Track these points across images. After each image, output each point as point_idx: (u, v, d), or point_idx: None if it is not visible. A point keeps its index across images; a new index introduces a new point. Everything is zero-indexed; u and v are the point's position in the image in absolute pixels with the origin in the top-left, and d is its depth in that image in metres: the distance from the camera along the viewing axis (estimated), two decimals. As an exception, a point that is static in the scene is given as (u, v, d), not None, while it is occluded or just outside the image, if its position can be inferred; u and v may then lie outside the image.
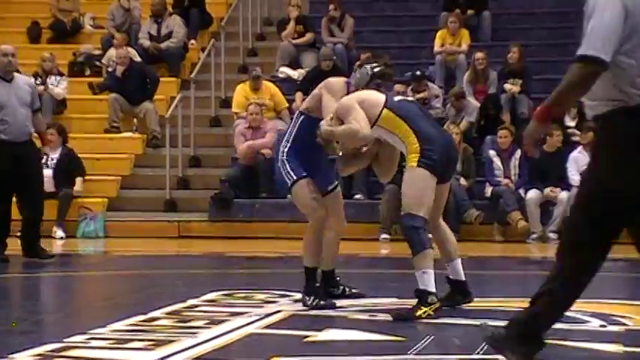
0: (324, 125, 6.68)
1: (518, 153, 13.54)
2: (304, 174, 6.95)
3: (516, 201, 13.21)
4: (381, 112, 6.67)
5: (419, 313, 6.36)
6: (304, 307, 6.93)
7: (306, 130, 6.95)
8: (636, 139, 4.39)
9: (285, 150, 7.02)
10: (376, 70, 6.91)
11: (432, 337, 5.77)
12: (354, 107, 6.61)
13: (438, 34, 16.26)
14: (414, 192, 6.55)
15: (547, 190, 13.20)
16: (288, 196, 6.96)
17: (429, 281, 6.42)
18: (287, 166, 6.97)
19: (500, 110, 14.60)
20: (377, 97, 6.75)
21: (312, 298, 6.93)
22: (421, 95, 15.01)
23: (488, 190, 13.15)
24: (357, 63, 7.03)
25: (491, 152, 13.62)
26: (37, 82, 15.66)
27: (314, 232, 7.02)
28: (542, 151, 13.57)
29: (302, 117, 7.07)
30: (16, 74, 10.50)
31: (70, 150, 14.22)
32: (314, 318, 6.57)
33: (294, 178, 6.95)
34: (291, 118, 7.14)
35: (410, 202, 6.55)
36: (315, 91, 7.08)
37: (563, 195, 13.12)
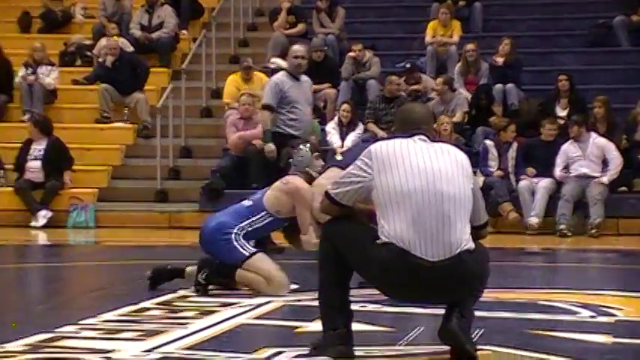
0: (312, 241, 7.13)
1: (516, 144, 13.57)
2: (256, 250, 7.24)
3: (508, 192, 13.25)
4: None
5: None
6: (292, 299, 6.96)
7: (272, 226, 7.33)
8: None
9: (243, 232, 7.17)
10: (309, 146, 7.48)
11: (422, 327, 5.78)
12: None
13: (430, 25, 16.26)
14: None
15: (530, 170, 13.28)
16: (240, 271, 7.15)
17: None
18: (240, 241, 7.15)
19: (491, 101, 14.62)
20: (336, 174, 7.22)
21: (201, 284, 7.13)
22: (414, 87, 15.03)
23: (480, 181, 13.17)
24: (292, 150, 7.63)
25: (488, 142, 13.61)
26: (28, 72, 15.67)
27: (272, 287, 7.14)
28: (538, 139, 13.64)
29: (271, 218, 7.26)
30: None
31: (56, 140, 14.22)
32: (305, 308, 6.58)
33: (252, 251, 7.17)
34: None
35: None
36: (281, 193, 7.27)
37: (544, 182, 13.15)
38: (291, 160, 7.52)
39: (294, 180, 7.39)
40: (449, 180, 4.77)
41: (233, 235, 7.15)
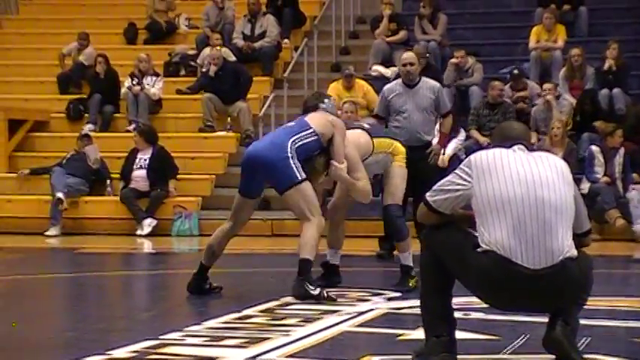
0: (343, 174, 7.50)
1: (622, 150, 13.31)
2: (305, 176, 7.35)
3: (615, 199, 13.01)
4: (373, 143, 7.85)
5: (412, 283, 7.76)
6: (395, 306, 6.92)
7: (314, 147, 7.44)
8: None
9: (295, 147, 7.33)
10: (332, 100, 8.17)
11: (527, 336, 5.70)
12: (360, 163, 7.63)
13: (533, 30, 16.08)
14: (403, 187, 8.02)
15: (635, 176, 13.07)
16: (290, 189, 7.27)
17: (411, 259, 7.85)
18: (295, 161, 7.30)
19: (596, 106, 14.39)
20: (364, 138, 7.86)
21: (317, 287, 7.20)
22: (521, 94, 14.86)
23: (585, 187, 12.96)
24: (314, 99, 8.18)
25: (594, 148, 13.38)
26: (134, 83, 15.92)
27: (321, 230, 7.37)
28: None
29: (316, 137, 7.46)
30: (424, 79, 10.54)
31: (160, 149, 14.41)
32: (407, 316, 6.55)
33: (303, 176, 7.31)
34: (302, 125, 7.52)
35: (400, 195, 8.01)
36: (329, 125, 7.55)
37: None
38: (322, 104, 7.89)
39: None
40: (549, 187, 4.72)
41: (289, 154, 7.28)
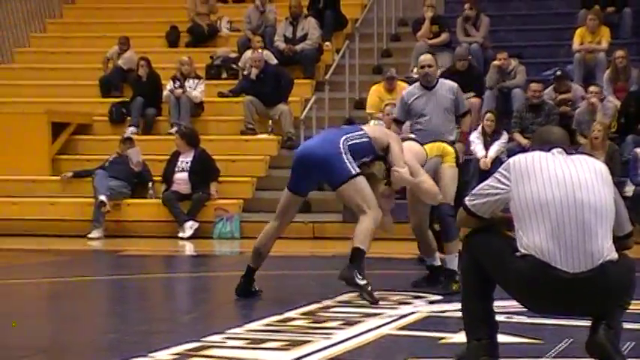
0: (407, 176, 7.59)
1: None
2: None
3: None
4: (425, 151, 7.99)
5: (455, 287, 7.65)
6: (437, 310, 6.90)
7: (365, 149, 7.53)
8: None
9: (347, 144, 7.41)
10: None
11: (571, 340, 5.65)
12: (420, 168, 7.78)
13: (577, 32, 15.96)
14: (454, 187, 8.06)
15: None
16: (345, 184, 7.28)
17: (457, 262, 7.85)
18: (349, 157, 7.37)
19: (641, 108, 14.27)
20: (417, 146, 8.06)
21: (364, 279, 7.23)
22: (564, 96, 14.75)
23: (630, 190, 12.83)
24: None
25: (639, 150, 13.25)
26: (176, 86, 15.98)
27: (376, 223, 7.40)
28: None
29: (368, 139, 7.57)
30: (441, 80, 10.49)
31: (202, 152, 14.45)
32: (449, 320, 6.52)
33: (357, 170, 7.38)
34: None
35: (451, 195, 8.00)
36: (384, 133, 7.85)
37: None
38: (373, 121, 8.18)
39: None
40: (589, 189, 4.68)
41: (342, 149, 7.35)
